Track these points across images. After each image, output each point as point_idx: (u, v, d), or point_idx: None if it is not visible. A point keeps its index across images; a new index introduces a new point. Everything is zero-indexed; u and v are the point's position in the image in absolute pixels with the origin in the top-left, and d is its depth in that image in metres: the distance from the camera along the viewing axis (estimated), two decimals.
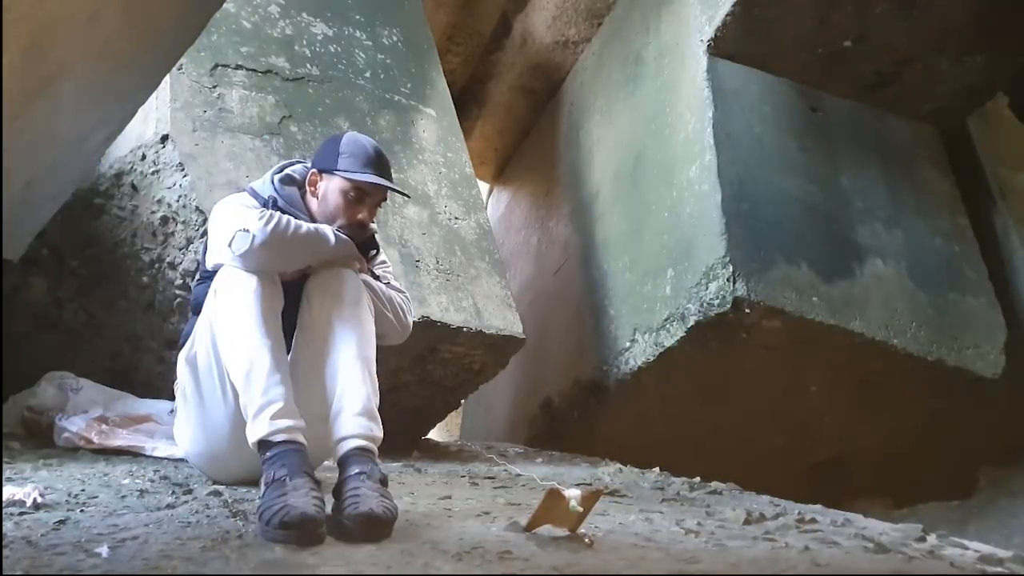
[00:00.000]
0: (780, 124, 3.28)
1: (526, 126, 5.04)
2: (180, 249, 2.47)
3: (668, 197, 3.26)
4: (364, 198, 1.79)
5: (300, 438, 1.50)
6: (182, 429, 1.86)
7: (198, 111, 2.57)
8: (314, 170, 1.83)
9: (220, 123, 2.60)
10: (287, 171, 1.87)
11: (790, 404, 3.24)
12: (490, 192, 5.54)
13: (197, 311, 1.77)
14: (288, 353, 1.69)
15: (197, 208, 2.39)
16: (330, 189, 1.79)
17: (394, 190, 1.83)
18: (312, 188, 1.83)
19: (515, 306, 3.03)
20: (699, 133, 3.15)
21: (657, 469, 2.66)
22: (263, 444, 1.48)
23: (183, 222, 2.44)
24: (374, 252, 1.92)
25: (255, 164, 2.57)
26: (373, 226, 1.89)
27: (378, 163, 1.80)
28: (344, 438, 1.54)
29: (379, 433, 1.58)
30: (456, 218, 3.06)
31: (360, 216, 1.79)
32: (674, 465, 2.73)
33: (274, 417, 1.49)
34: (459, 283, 2.88)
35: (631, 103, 3.75)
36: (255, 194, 1.82)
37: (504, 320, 2.91)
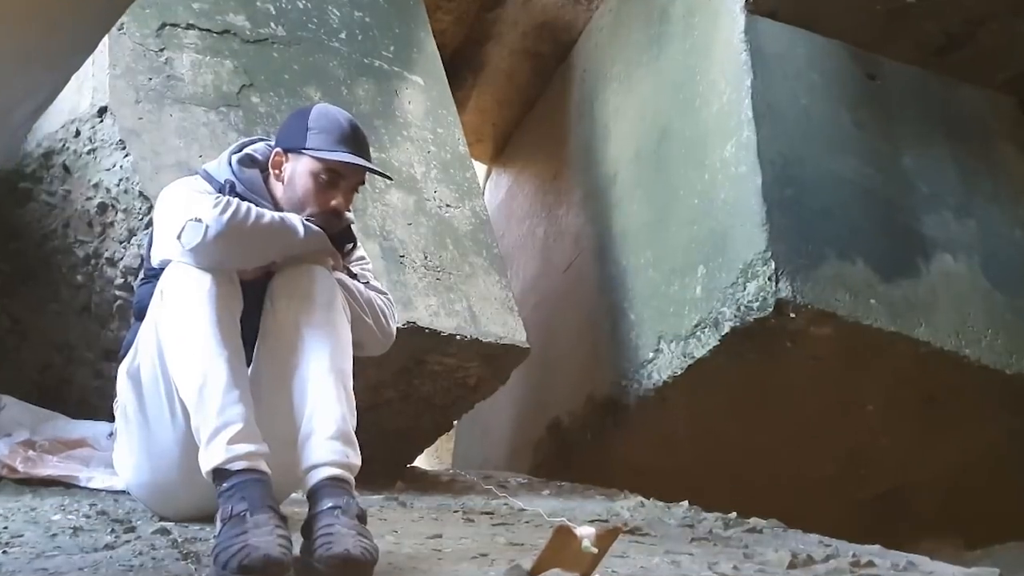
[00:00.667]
0: (831, 94, 3.27)
1: (530, 96, 5.03)
2: (121, 243, 2.46)
3: (699, 180, 3.25)
4: (338, 181, 1.79)
5: (263, 466, 1.50)
6: (123, 455, 1.86)
7: (142, 79, 2.56)
8: (278, 149, 1.83)
9: (168, 93, 2.59)
10: (247, 150, 1.87)
11: (843, 425, 3.23)
12: (488, 175, 5.53)
13: (141, 316, 1.77)
14: (248, 366, 1.69)
15: (141, 194, 2.39)
16: (298, 171, 1.79)
17: (374, 171, 1.84)
18: (276, 171, 1.83)
19: (517, 309, 3.02)
20: (735, 105, 3.14)
21: (686, 503, 2.65)
22: (219, 473, 1.48)
23: (124, 210, 2.44)
24: (350, 246, 1.92)
25: (209, 141, 2.56)
26: (349, 215, 1.90)
27: (354, 140, 1.81)
28: (315, 466, 1.54)
29: (356, 460, 1.58)
30: (447, 205, 3.05)
31: (334, 203, 1.79)
32: (705, 498, 2.72)
33: (232, 441, 1.49)
34: (451, 282, 2.88)
35: (655, 69, 3.75)
36: (209, 177, 1.82)
37: (504, 326, 2.90)
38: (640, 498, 2.83)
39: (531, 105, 5.06)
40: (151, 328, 1.67)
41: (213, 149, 2.50)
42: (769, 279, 2.82)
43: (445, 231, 2.98)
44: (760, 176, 2.95)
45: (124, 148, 2.43)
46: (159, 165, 2.44)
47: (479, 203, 3.18)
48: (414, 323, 2.68)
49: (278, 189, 1.83)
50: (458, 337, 2.76)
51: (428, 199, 3.01)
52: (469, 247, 3.02)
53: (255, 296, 1.73)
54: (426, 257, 2.87)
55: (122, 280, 2.46)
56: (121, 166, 2.43)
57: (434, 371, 2.84)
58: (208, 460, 1.49)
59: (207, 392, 1.52)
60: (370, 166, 1.82)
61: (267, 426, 1.57)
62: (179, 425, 1.66)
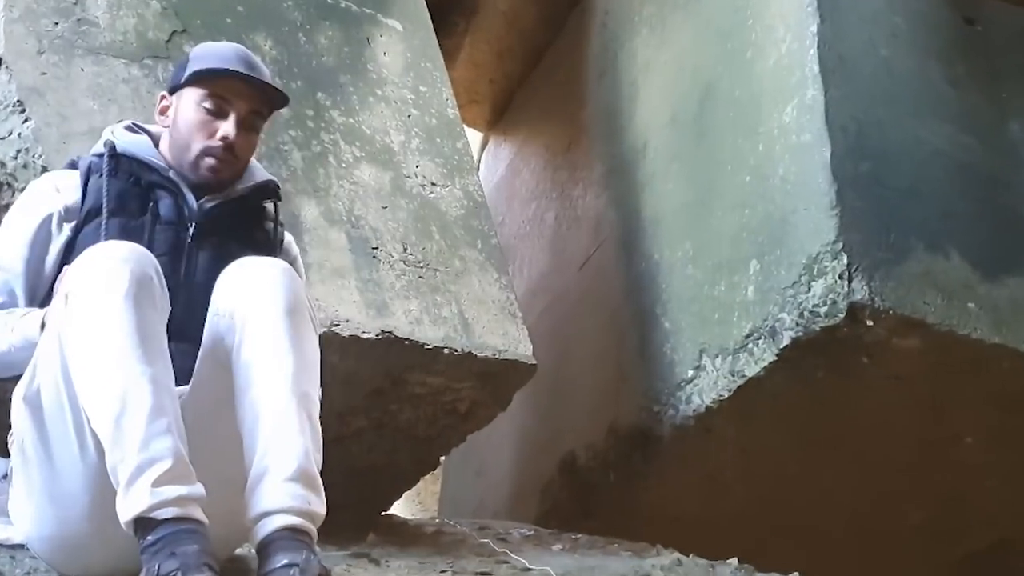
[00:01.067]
0: (918, 43, 3.26)
1: (537, 46, 5.02)
2: None
3: (751, 152, 3.24)
4: (226, 108, 1.91)
5: (198, 514, 1.49)
6: (20, 502, 1.85)
7: (46, 23, 2.56)
8: (163, 94, 1.99)
9: (79, 41, 2.58)
10: (137, 123, 2.02)
11: (934, 463, 3.22)
12: (484, 145, 5.52)
13: (43, 326, 1.77)
14: (182, 385, 1.69)
15: (45, 169, 2.38)
16: (181, 108, 1.93)
17: (267, 90, 1.95)
18: (163, 118, 1.98)
19: (521, 316, 3.01)
20: (798, 57, 3.13)
21: (735, 561, 2.65)
22: (142, 523, 1.47)
23: (23, 190, 2.43)
24: (272, 221, 2.02)
25: (131, 102, 2.56)
26: (255, 163, 2.03)
27: (243, 61, 1.94)
28: (267, 513, 1.54)
29: (320, 508, 1.58)
30: (433, 184, 3.04)
31: (221, 132, 1.90)
32: (760, 554, 2.71)
33: (158, 483, 1.48)
34: (437, 281, 2.87)
35: (695, 11, 3.74)
36: (82, 158, 1.94)
37: (505, 337, 2.89)
38: (677, 554, 2.83)
39: (538, 57, 5.05)
40: (54, 341, 1.66)
41: (136, 112, 2.49)
42: (840, 277, 2.80)
43: (430, 216, 2.98)
44: (829, 146, 2.93)
45: (23, 111, 2.42)
46: (67, 132, 2.43)
47: (473, 181, 3.17)
48: (390, 333, 2.66)
49: (166, 143, 1.95)
50: (446, 350, 2.76)
51: (408, 176, 3.00)
52: (460, 237, 3.01)
53: (195, 296, 1.73)
54: (406, 249, 2.86)
55: None
56: (19, 134, 2.42)
57: (416, 394, 2.83)
58: (129, 508, 1.48)
59: (127, 421, 1.51)
60: (259, 78, 1.92)
61: (207, 463, 1.56)
62: (90, 463, 1.65)
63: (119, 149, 1.89)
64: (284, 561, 1.47)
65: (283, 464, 1.57)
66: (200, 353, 1.74)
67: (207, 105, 1.90)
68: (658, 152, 3.79)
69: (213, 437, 1.64)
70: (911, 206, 2.97)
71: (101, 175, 1.87)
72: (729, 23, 3.51)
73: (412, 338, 2.71)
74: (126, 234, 1.78)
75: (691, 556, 2.78)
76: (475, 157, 4.62)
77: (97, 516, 1.66)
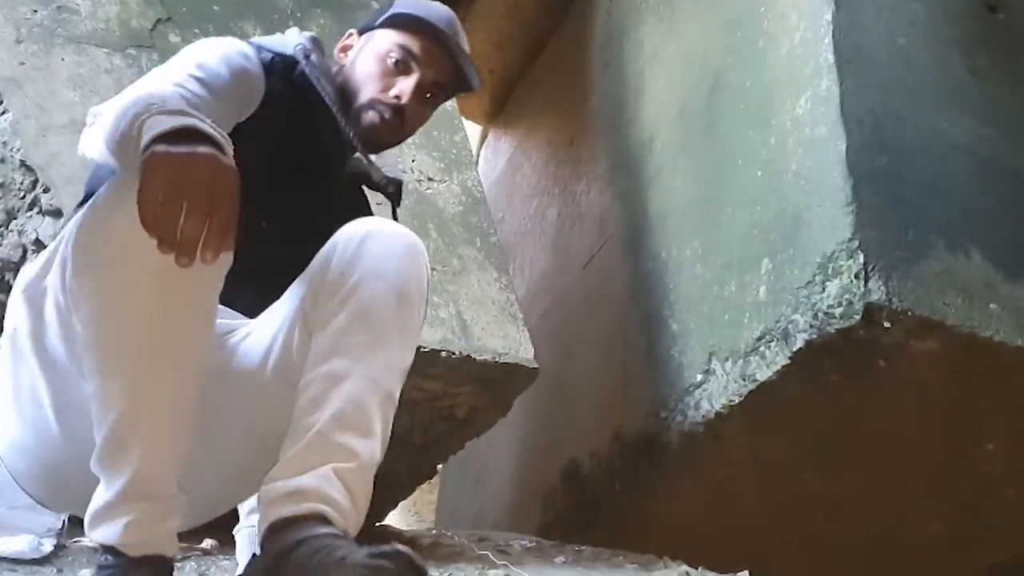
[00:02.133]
0: (939, 32, 3.25)
1: (539, 36, 5.02)
2: None
3: (763, 146, 3.24)
4: (411, 67, 1.81)
5: (165, 549, 1.45)
6: None
7: (24, 11, 2.57)
8: (351, 31, 1.91)
9: (60, 30, 2.59)
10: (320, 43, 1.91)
11: (953, 470, 3.22)
12: (483, 139, 5.52)
13: (89, 198, 1.57)
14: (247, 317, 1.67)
15: (23, 163, 2.38)
16: (365, 50, 1.85)
17: (463, 70, 1.88)
18: (343, 55, 1.88)
19: (522, 317, 3.00)
20: (812, 46, 3.12)
21: (746, 573, 2.64)
22: (109, 547, 1.44)
23: (0, 184, 2.43)
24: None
25: (113, 93, 2.53)
26: (397, 167, 1.97)
27: (451, 27, 1.86)
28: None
29: (358, 519, 1.46)
30: (429, 179, 3.04)
31: (394, 91, 1.79)
32: (773, 566, 2.71)
33: (137, 524, 1.41)
34: (434, 281, 2.86)
35: (705, 0, 3.74)
36: (260, 48, 1.78)
37: (505, 339, 2.89)
38: (685, 567, 2.82)
39: (540, 47, 5.05)
40: (70, 246, 1.42)
41: None
42: (856, 277, 2.80)
43: (426, 213, 2.97)
44: (844, 140, 2.93)
45: (0, 102, 2.42)
46: (47, 125, 2.43)
47: (471, 176, 3.17)
48: None
49: (340, 77, 1.86)
50: (443, 353, 2.75)
51: (404, 171, 3.00)
52: (458, 234, 3.01)
53: (294, 234, 1.67)
54: None
55: None
56: None
57: (411, 399, 2.82)
58: (99, 533, 1.43)
59: (122, 439, 1.40)
60: (459, 49, 1.85)
61: (238, 409, 1.58)
62: (83, 388, 1.45)
63: (314, 59, 1.80)
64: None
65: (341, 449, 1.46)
66: (290, 290, 1.64)
67: (394, 56, 1.80)
68: (665, 146, 3.79)
69: (252, 382, 1.60)
70: (930, 202, 2.97)
71: (282, 81, 1.78)
72: (740, 11, 3.51)
73: None
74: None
75: (700, 569, 2.77)
76: (474, 151, 4.63)
77: (75, 440, 1.52)
